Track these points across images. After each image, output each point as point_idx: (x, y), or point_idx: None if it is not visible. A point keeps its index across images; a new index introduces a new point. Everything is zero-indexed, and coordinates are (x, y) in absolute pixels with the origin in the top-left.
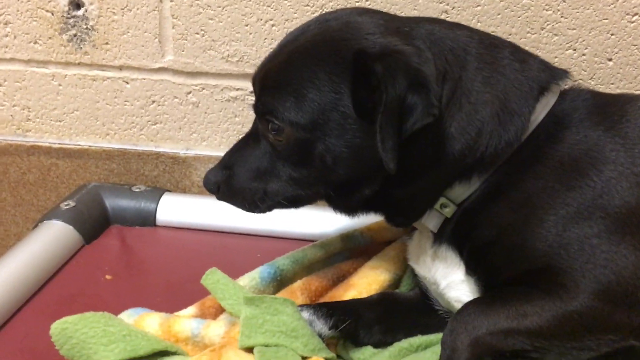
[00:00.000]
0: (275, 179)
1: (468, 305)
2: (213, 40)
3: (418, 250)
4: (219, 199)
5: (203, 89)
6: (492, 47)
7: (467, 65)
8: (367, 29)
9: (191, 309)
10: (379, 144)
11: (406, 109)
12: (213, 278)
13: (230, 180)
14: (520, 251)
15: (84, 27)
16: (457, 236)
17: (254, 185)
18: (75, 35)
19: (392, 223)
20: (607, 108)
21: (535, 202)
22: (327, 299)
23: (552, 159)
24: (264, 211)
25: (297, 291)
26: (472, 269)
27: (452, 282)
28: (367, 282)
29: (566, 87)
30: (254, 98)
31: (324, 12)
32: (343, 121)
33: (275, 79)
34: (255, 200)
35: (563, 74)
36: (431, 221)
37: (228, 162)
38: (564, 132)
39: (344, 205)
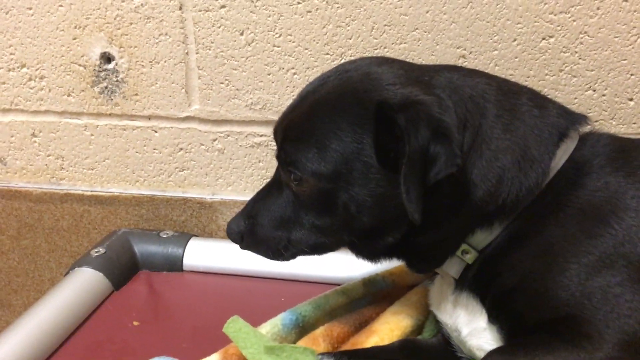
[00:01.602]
0: (299, 227)
1: (491, 354)
2: (237, 89)
3: (439, 296)
4: (242, 248)
5: (228, 135)
6: (510, 93)
7: (487, 112)
8: (387, 80)
9: (214, 357)
10: (404, 195)
11: (429, 159)
12: (235, 326)
13: (253, 230)
14: (543, 299)
15: (115, 79)
16: (479, 283)
17: (277, 234)
18: (106, 87)
19: (413, 269)
20: (627, 153)
21: (557, 250)
22: (349, 345)
23: (573, 207)
24: (287, 259)
25: (319, 338)
26: (494, 316)
27: (474, 329)
28: (389, 328)
29: (585, 131)
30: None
31: (343, 60)
32: (366, 171)
33: (298, 130)
34: (279, 249)
35: (582, 118)
36: (452, 267)
37: (251, 211)
38: (584, 179)
39: (367, 252)
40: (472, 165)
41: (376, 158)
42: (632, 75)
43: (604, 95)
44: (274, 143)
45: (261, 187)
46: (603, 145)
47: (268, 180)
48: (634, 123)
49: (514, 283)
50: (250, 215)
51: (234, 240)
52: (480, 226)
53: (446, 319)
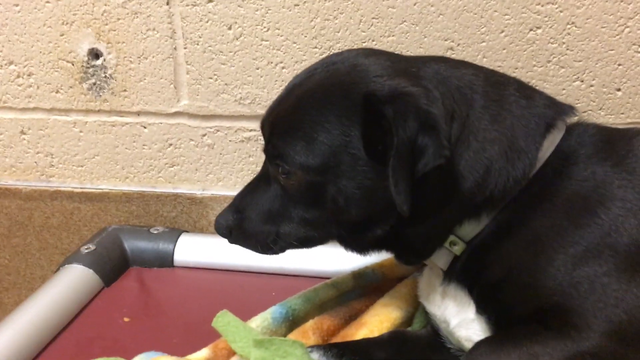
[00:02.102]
0: (287, 220)
1: (479, 344)
2: (226, 84)
3: (428, 288)
4: (231, 242)
5: (217, 131)
6: (497, 84)
7: (474, 103)
8: (374, 71)
9: (204, 351)
10: (392, 187)
11: (417, 151)
12: (224, 320)
13: (242, 224)
14: (530, 290)
15: (103, 75)
16: (467, 274)
17: (266, 227)
18: (94, 83)
19: (401, 261)
20: (613, 143)
21: (544, 240)
22: (339, 338)
23: (560, 197)
24: (276, 253)
25: (309, 331)
26: (482, 307)
27: (463, 320)
28: (378, 320)
29: (572, 122)
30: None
31: (331, 53)
32: (354, 163)
33: (285, 123)
34: (268, 243)
35: (569, 109)
36: (440, 259)
37: (239, 206)
38: (571, 169)
39: (356, 244)
40: (459, 157)
41: (364, 150)
42: (619, 65)
43: (592, 85)
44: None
45: (249, 181)
46: (590, 136)
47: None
48: (622, 113)
49: (502, 274)
50: (238, 210)
51: (222, 235)
52: (468, 217)
53: (435, 310)
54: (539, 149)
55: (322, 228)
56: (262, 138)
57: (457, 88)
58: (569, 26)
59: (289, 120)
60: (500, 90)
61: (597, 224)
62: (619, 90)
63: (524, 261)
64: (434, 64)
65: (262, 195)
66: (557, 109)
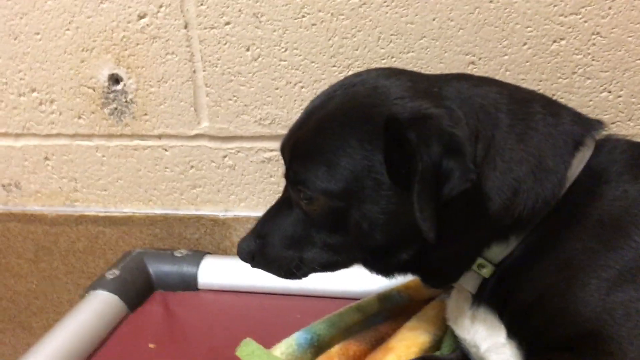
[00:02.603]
0: (310, 246)
1: None
2: (245, 105)
3: (456, 311)
4: (253, 267)
5: (238, 152)
6: (523, 101)
7: (499, 122)
8: (395, 93)
9: None
10: (417, 214)
11: (442, 176)
12: (248, 349)
13: (264, 250)
14: (563, 316)
15: (124, 100)
16: (497, 297)
17: (289, 253)
18: (115, 108)
19: (428, 284)
20: None
21: (576, 264)
22: None
23: (592, 218)
24: (299, 278)
25: (335, 357)
26: (514, 332)
27: (493, 345)
28: (405, 345)
29: (602, 137)
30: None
31: (350, 71)
32: (377, 188)
33: (306, 148)
34: (290, 268)
35: (597, 124)
36: (469, 282)
37: (261, 231)
38: (602, 188)
39: (381, 268)
40: (485, 178)
41: (387, 175)
42: None
43: (619, 96)
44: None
45: (270, 206)
46: (620, 152)
47: (280, 195)
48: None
49: (533, 298)
50: (261, 235)
51: (245, 260)
52: (496, 240)
53: (464, 334)
54: (568, 168)
55: (345, 253)
56: (282, 159)
57: (480, 107)
58: (593, 36)
59: (309, 145)
60: (526, 108)
61: (631, 246)
62: None
63: (556, 286)
64: (455, 82)
65: (284, 220)
66: (585, 125)
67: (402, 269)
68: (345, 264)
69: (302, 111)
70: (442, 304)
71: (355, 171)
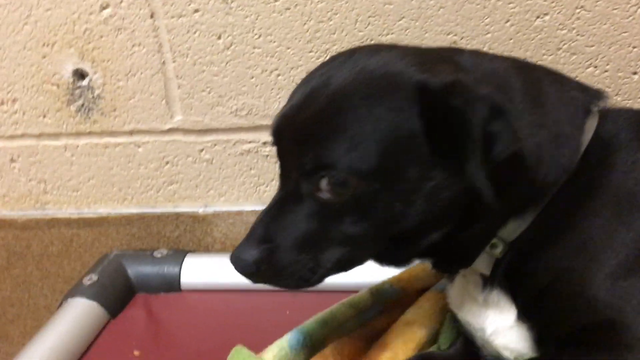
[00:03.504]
0: (327, 243)
1: None
2: (220, 96)
3: (462, 296)
4: (256, 282)
5: (215, 145)
6: (527, 68)
7: (514, 88)
8: (410, 61)
9: None
10: (475, 179)
11: (490, 140)
12: (239, 357)
13: (272, 256)
14: (579, 301)
15: (91, 96)
16: (510, 279)
17: (302, 256)
18: (82, 105)
19: (441, 270)
20: None
21: (594, 245)
22: None
23: (608, 192)
24: (314, 284)
25: (330, 357)
26: (527, 315)
27: (500, 328)
28: (402, 341)
29: (604, 107)
30: (268, 150)
31: (328, 57)
32: (414, 161)
33: (322, 128)
34: (305, 274)
35: (600, 94)
36: (482, 264)
37: (265, 235)
38: (613, 157)
39: (400, 256)
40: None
41: (427, 145)
42: (634, 48)
43: (606, 71)
44: (264, 149)
45: (266, 207)
46: (625, 119)
47: (263, 187)
48: (630, 107)
49: (549, 280)
50: (265, 239)
51: (247, 274)
52: (515, 214)
53: (471, 319)
54: (582, 134)
55: (367, 244)
56: (262, 150)
57: (493, 72)
58: (578, 10)
59: (327, 124)
60: (533, 74)
61: None
62: (635, 73)
63: (573, 268)
64: (458, 52)
65: (293, 217)
66: (590, 94)
67: (423, 255)
68: (362, 259)
69: (280, 100)
70: (437, 295)
71: (388, 145)
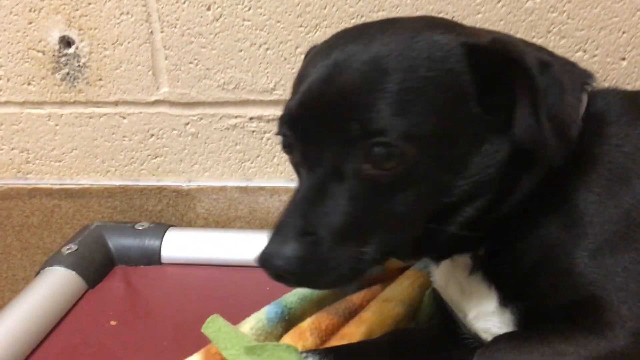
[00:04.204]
0: (376, 226)
1: (499, 339)
2: (207, 68)
3: (447, 277)
4: (294, 284)
5: (201, 119)
6: (524, 42)
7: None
8: (438, 26)
9: (196, 357)
10: (545, 131)
11: (544, 93)
12: (214, 326)
13: (317, 249)
14: (566, 277)
15: (76, 64)
16: (500, 258)
17: (350, 244)
18: (68, 73)
19: (441, 258)
20: (639, 101)
21: (587, 220)
22: (338, 337)
23: (600, 167)
24: (358, 278)
25: (307, 331)
26: (511, 297)
27: (481, 312)
28: (379, 317)
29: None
30: (255, 125)
31: (318, 32)
32: (465, 123)
33: (367, 94)
34: (354, 265)
35: (590, 73)
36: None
37: (305, 225)
38: (605, 131)
39: (425, 244)
40: None
41: (478, 104)
42: (624, 33)
43: (595, 55)
44: (250, 124)
45: (295, 193)
46: (614, 96)
47: (248, 163)
48: (628, 84)
49: (539, 256)
50: (305, 231)
51: (288, 274)
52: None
53: (454, 298)
54: (581, 106)
55: (412, 224)
56: (248, 125)
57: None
58: None
59: (370, 89)
60: (532, 46)
61: (634, 200)
62: (623, 59)
63: (564, 243)
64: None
65: (336, 202)
66: (582, 72)
67: (447, 241)
68: (404, 247)
69: (268, 74)
70: (417, 274)
71: (439, 108)
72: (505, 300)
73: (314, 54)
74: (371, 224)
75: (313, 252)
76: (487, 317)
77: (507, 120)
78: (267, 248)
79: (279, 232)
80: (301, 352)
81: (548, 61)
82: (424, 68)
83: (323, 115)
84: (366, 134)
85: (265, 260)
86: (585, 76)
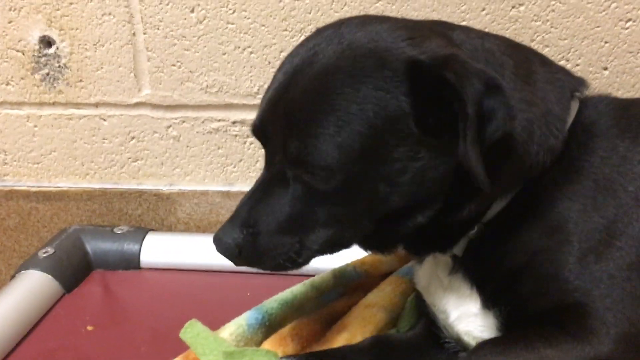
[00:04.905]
0: (313, 224)
1: (484, 344)
2: (190, 71)
3: (429, 278)
4: (238, 264)
5: (183, 122)
6: (517, 47)
7: (505, 65)
8: (402, 35)
9: None
10: (471, 162)
11: (484, 117)
12: (192, 331)
13: (255, 240)
14: (551, 282)
15: (57, 65)
16: (481, 261)
17: (287, 238)
18: (47, 74)
19: (419, 254)
20: (630, 114)
21: (570, 228)
22: (319, 343)
23: (586, 177)
24: (300, 266)
25: (288, 337)
26: (494, 300)
27: (464, 314)
28: (361, 323)
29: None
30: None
31: (303, 36)
32: (401, 142)
33: (307, 111)
34: (290, 256)
35: (582, 80)
36: (458, 245)
37: (248, 219)
38: (594, 141)
39: (384, 241)
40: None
41: (415, 125)
42: (606, 42)
43: (577, 65)
44: (233, 128)
45: (251, 189)
46: (605, 105)
47: (230, 167)
48: (610, 93)
49: (523, 261)
50: (248, 223)
51: (229, 256)
52: (502, 194)
53: (434, 301)
54: (568, 115)
55: (354, 225)
56: (231, 129)
57: (485, 49)
58: (553, 3)
59: (310, 107)
60: (524, 53)
61: (619, 210)
62: (605, 69)
63: (547, 250)
64: (448, 27)
65: (277, 201)
66: (573, 78)
67: (406, 239)
68: (351, 241)
69: (252, 78)
70: (399, 280)
71: (374, 125)
72: (488, 302)
73: (289, 53)
74: (310, 221)
75: (250, 242)
76: (470, 319)
77: (451, 140)
78: (218, 231)
79: (231, 220)
80: (281, 358)
81: (496, 84)
82: (364, 87)
83: (273, 127)
84: (302, 152)
85: (215, 241)
86: (577, 84)
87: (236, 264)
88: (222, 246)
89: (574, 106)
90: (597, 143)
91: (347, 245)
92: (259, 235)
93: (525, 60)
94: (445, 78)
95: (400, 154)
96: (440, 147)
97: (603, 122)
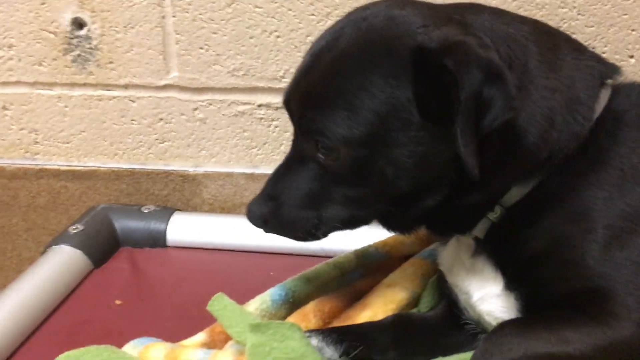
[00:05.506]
0: (329, 202)
1: (505, 325)
2: (218, 54)
3: (453, 259)
4: (266, 232)
5: (210, 104)
6: (547, 33)
7: (529, 51)
8: (417, 22)
9: (201, 335)
10: (462, 149)
11: (483, 105)
12: (219, 304)
13: (278, 212)
14: (573, 268)
15: (87, 46)
16: (504, 244)
17: (306, 213)
18: (79, 55)
19: (440, 235)
20: None
21: (595, 215)
22: (341, 320)
23: (615, 166)
24: (319, 238)
25: (310, 313)
26: (516, 282)
27: (487, 295)
28: (383, 301)
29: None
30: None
31: (330, 21)
32: (405, 128)
33: (320, 93)
34: (309, 229)
35: (616, 68)
36: (478, 227)
37: (272, 192)
38: (624, 131)
39: (402, 220)
40: (520, 109)
41: (417, 112)
42: (633, 30)
43: (603, 52)
44: (259, 111)
45: (279, 164)
46: (638, 94)
47: (255, 150)
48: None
49: (544, 247)
50: (272, 196)
51: (257, 225)
52: (520, 180)
53: (457, 281)
54: (596, 103)
55: (368, 206)
56: (257, 112)
57: (508, 35)
58: None
59: (324, 89)
60: (552, 39)
61: None
62: (632, 57)
63: (571, 236)
64: (475, 11)
65: (297, 177)
66: (606, 66)
67: (424, 220)
68: (367, 220)
69: (278, 62)
70: (421, 262)
71: (380, 112)
72: (510, 284)
73: (320, 35)
74: (326, 199)
75: (274, 213)
76: (492, 300)
77: (452, 127)
78: (249, 204)
79: (260, 193)
80: (305, 332)
81: (498, 73)
82: (373, 74)
83: (295, 105)
84: (314, 131)
85: (246, 212)
86: (609, 71)
87: (265, 231)
88: (251, 215)
89: (605, 94)
90: (627, 132)
91: (365, 223)
92: (282, 208)
93: (553, 47)
94: (443, 64)
95: (405, 140)
96: (443, 133)
97: (634, 112)
